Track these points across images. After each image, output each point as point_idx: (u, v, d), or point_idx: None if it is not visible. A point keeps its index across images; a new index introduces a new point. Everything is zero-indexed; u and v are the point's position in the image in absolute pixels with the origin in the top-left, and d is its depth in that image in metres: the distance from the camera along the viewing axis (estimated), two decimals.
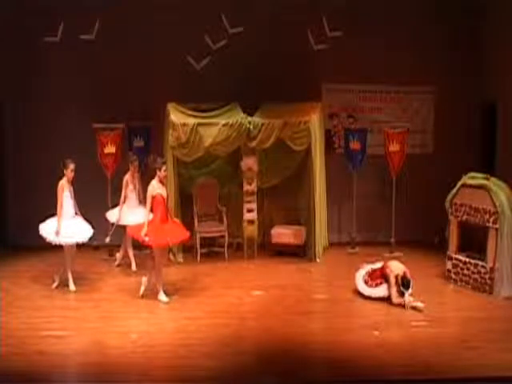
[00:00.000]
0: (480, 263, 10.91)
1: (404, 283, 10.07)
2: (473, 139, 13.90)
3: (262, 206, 13.38)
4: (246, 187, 12.99)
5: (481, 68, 13.62)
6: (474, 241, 11.27)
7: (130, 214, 11.77)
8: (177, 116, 12.45)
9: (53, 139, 13.37)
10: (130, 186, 12.06)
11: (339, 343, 8.69)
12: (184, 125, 12.39)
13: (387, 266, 10.41)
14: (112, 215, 12.14)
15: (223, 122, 12.52)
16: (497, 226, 10.57)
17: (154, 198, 10.22)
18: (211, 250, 13.00)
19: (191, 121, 12.46)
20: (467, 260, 11.17)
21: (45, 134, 13.40)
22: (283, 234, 13.19)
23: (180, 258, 12.62)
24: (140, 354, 8.27)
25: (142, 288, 10.41)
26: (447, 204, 11.50)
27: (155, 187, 10.27)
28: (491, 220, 10.66)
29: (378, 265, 10.69)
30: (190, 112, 12.60)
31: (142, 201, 11.67)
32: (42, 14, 12.71)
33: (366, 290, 10.51)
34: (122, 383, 7.60)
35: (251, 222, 13.03)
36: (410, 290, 10.07)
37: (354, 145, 13.57)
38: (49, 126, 13.40)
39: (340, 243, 13.90)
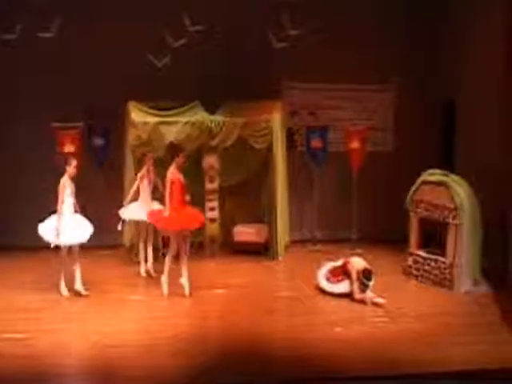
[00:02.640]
0: (440, 259, 11.04)
1: (366, 275, 10.16)
2: (433, 136, 14.05)
3: (223, 205, 13.36)
4: (208, 185, 12.97)
5: (440, 66, 13.75)
6: (434, 237, 11.40)
7: (143, 209, 11.44)
8: (137, 114, 12.36)
9: (12, 138, 13.20)
10: (145, 181, 11.72)
11: (302, 340, 8.72)
12: (145, 123, 12.32)
13: (349, 262, 10.48)
14: (125, 211, 11.75)
15: (184, 120, 12.48)
16: (456, 221, 10.71)
17: (173, 183, 10.35)
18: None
19: (152, 119, 12.39)
20: (427, 256, 11.30)
21: (3, 133, 13.23)
22: (245, 233, 13.19)
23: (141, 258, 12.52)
24: (102, 355, 8.19)
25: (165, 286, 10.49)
26: (408, 201, 11.61)
27: (174, 173, 10.41)
28: (451, 216, 10.79)
29: (340, 262, 10.76)
30: (150, 110, 12.52)
31: (161, 195, 11.35)
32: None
33: (328, 287, 10.57)
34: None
35: (213, 220, 13.00)
36: (372, 282, 10.15)
37: (316, 142, 13.64)
38: (8, 125, 13.21)
39: (302, 241, 13.95)
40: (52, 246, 10.35)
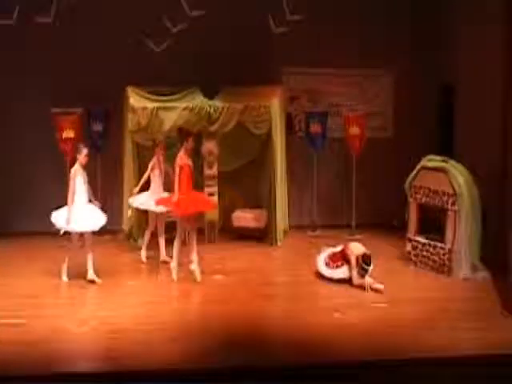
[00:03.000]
0: (439, 245, 11.05)
1: (365, 260, 10.16)
2: (432, 122, 14.02)
3: (222, 190, 13.35)
4: (207, 171, 12.96)
5: (440, 51, 13.68)
6: (433, 223, 11.41)
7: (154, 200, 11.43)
8: (136, 100, 12.34)
9: (10, 123, 13.17)
10: (157, 171, 11.61)
11: (301, 325, 8.73)
12: (144, 109, 12.29)
13: (348, 248, 10.49)
14: (135, 200, 11.73)
15: (183, 105, 12.46)
16: (455, 207, 10.71)
17: (181, 168, 10.29)
18: (172, 234, 12.89)
19: (151, 105, 12.36)
20: (426, 242, 11.31)
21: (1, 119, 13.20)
22: (244, 218, 13.19)
23: (141, 243, 12.53)
24: (101, 340, 8.22)
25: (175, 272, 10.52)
26: (407, 186, 11.61)
27: (183, 158, 10.34)
28: (450, 202, 10.79)
29: (339, 248, 10.77)
30: (149, 96, 12.50)
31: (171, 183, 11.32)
32: None
33: (327, 272, 10.59)
34: (83, 370, 7.55)
35: None
36: (371, 267, 10.16)
37: (315, 128, 13.63)
38: (6, 110, 13.17)
39: (301, 226, 13.95)
40: (61, 232, 10.32)
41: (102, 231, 10.90)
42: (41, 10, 11.64)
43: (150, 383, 7.29)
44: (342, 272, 10.48)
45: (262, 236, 13.06)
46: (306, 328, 8.64)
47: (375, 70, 14.21)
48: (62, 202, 11.87)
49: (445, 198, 10.88)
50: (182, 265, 10.67)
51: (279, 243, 12.83)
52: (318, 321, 8.90)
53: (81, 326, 8.61)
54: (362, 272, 10.21)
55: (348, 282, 10.34)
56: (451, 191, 10.76)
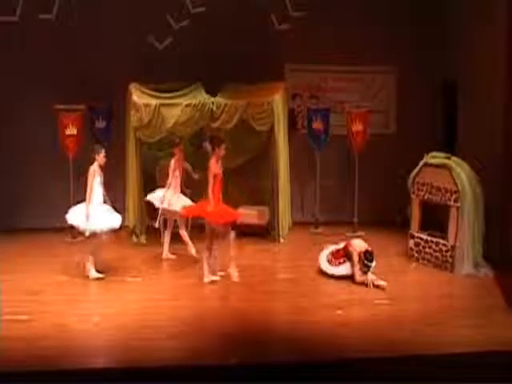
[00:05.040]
0: (441, 241, 11.04)
1: (367, 257, 10.16)
2: (435, 118, 14.00)
3: (225, 187, 13.31)
4: None
5: (443, 47, 13.67)
6: (435, 219, 11.40)
7: (182, 201, 11.47)
8: (139, 96, 12.33)
9: (16, 121, 13.19)
10: (176, 172, 11.61)
11: (303, 323, 8.73)
12: (146, 105, 12.29)
13: (350, 245, 10.49)
14: (155, 199, 11.70)
15: (186, 102, 12.45)
16: (458, 204, 10.70)
17: (215, 176, 10.15)
18: (175, 231, 12.92)
19: (153, 101, 12.35)
20: (429, 238, 11.30)
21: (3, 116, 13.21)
22: (247, 215, 13.14)
23: (143, 240, 12.56)
24: (103, 337, 8.24)
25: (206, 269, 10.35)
26: (409, 183, 11.60)
27: (216, 166, 10.18)
28: (452, 199, 10.78)
29: (341, 245, 10.76)
30: (152, 92, 12.49)
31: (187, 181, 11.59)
32: None
33: (330, 269, 10.58)
34: (86, 366, 7.57)
35: None
36: (373, 263, 10.15)
37: (317, 125, 13.61)
38: (8, 108, 13.19)
39: (303, 223, 13.94)
40: (87, 234, 10.23)
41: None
42: (43, 7, 11.67)
43: (152, 380, 7.29)
44: (344, 269, 10.48)
45: (264, 233, 13.06)
46: (308, 325, 8.64)
47: (378, 67, 14.19)
48: (65, 199, 11.99)
49: (447, 195, 10.88)
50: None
51: (282, 240, 12.83)
52: (320, 318, 8.90)
53: (83, 323, 8.63)
54: (365, 269, 10.21)
55: (350, 278, 10.34)
56: (454, 188, 10.75)
